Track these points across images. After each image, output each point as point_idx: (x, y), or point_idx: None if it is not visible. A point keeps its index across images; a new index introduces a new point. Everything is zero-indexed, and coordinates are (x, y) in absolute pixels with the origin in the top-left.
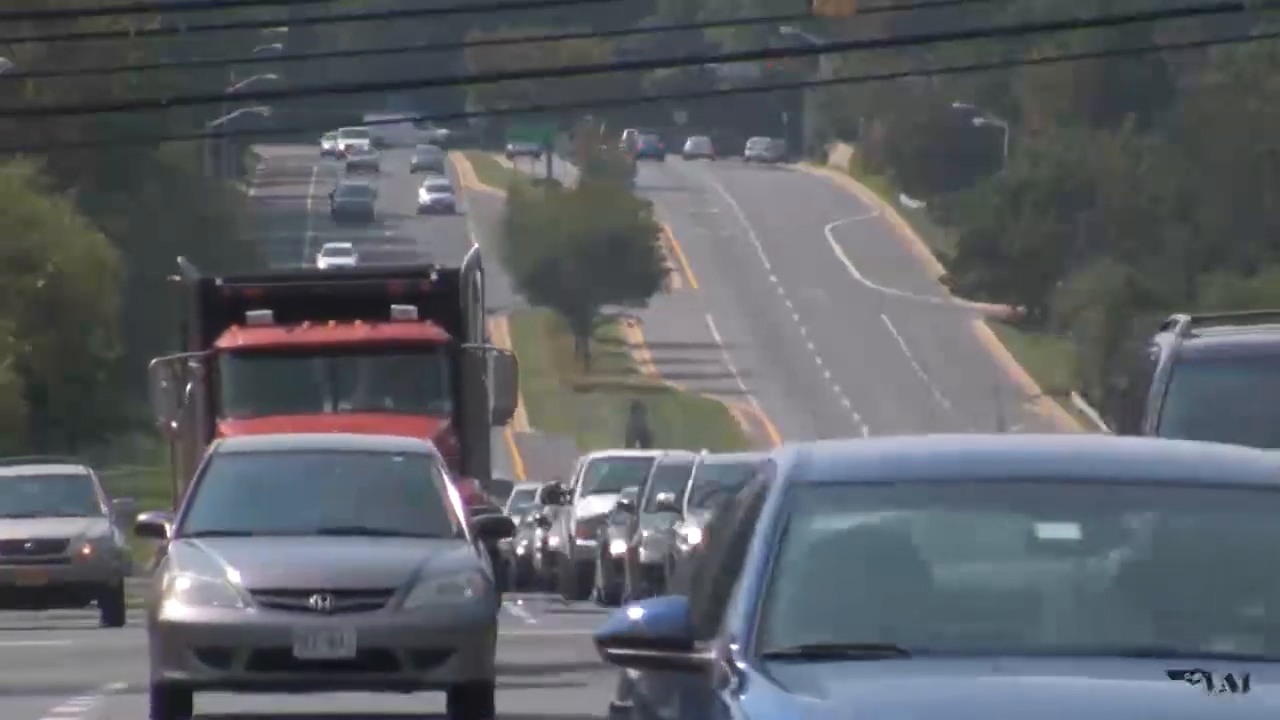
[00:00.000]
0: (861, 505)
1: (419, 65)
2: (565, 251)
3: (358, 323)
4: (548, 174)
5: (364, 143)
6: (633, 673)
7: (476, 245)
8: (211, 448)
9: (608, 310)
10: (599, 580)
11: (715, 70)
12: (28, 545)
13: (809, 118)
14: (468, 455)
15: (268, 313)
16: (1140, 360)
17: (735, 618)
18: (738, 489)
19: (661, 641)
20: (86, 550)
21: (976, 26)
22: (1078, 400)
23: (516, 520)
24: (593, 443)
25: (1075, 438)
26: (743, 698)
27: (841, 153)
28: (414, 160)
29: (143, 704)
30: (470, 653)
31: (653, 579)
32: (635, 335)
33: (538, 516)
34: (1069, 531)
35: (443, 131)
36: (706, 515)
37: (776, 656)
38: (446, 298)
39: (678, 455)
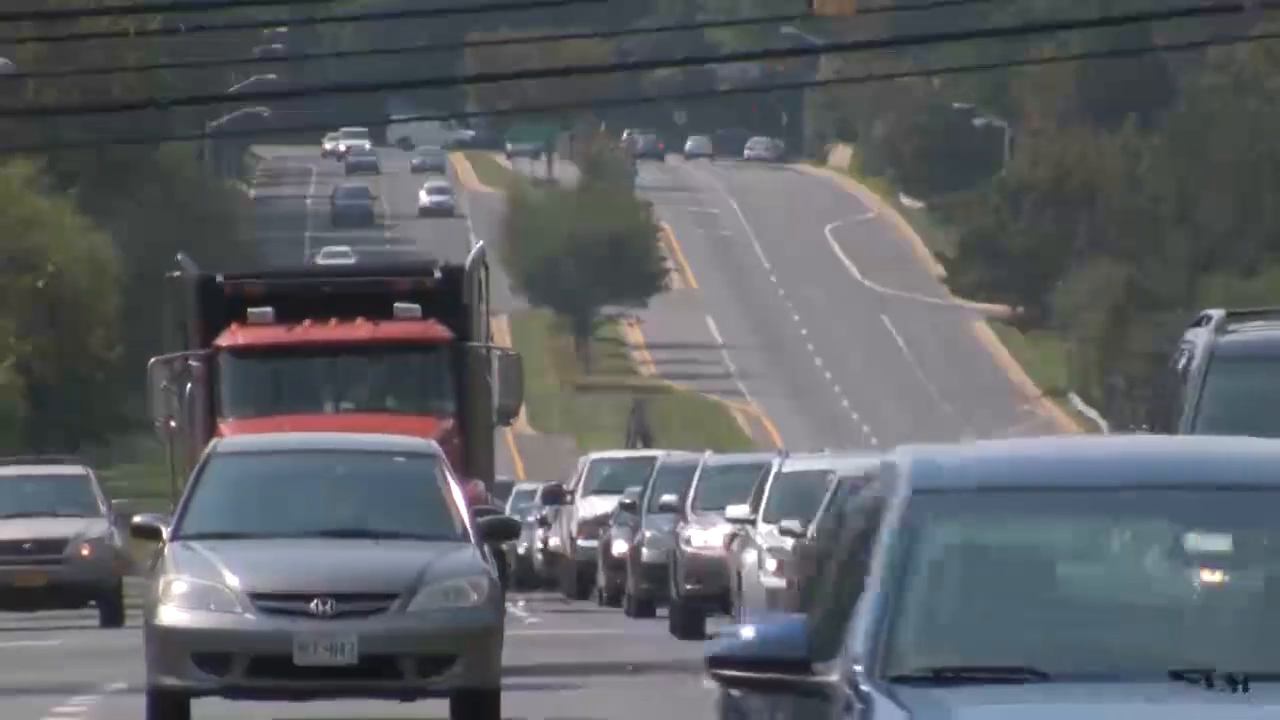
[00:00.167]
0: (993, 514)
1: (419, 65)
2: (565, 251)
3: (360, 321)
4: (548, 174)
5: (364, 143)
6: (737, 693)
7: (481, 242)
8: (209, 447)
9: (608, 310)
10: (600, 580)
11: (715, 70)
12: (26, 546)
13: (809, 118)
14: (471, 456)
15: (268, 310)
16: (1171, 357)
17: (858, 637)
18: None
19: (778, 663)
20: (85, 551)
21: (976, 26)
22: (1077, 400)
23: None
24: (593, 443)
25: (1220, 440)
26: None
27: (841, 153)
28: (414, 161)
29: (142, 705)
30: (475, 659)
31: (654, 579)
32: (635, 335)
33: (538, 516)
34: (1220, 543)
35: (469, 133)
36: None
37: (903, 679)
38: (450, 295)
39: (681, 455)
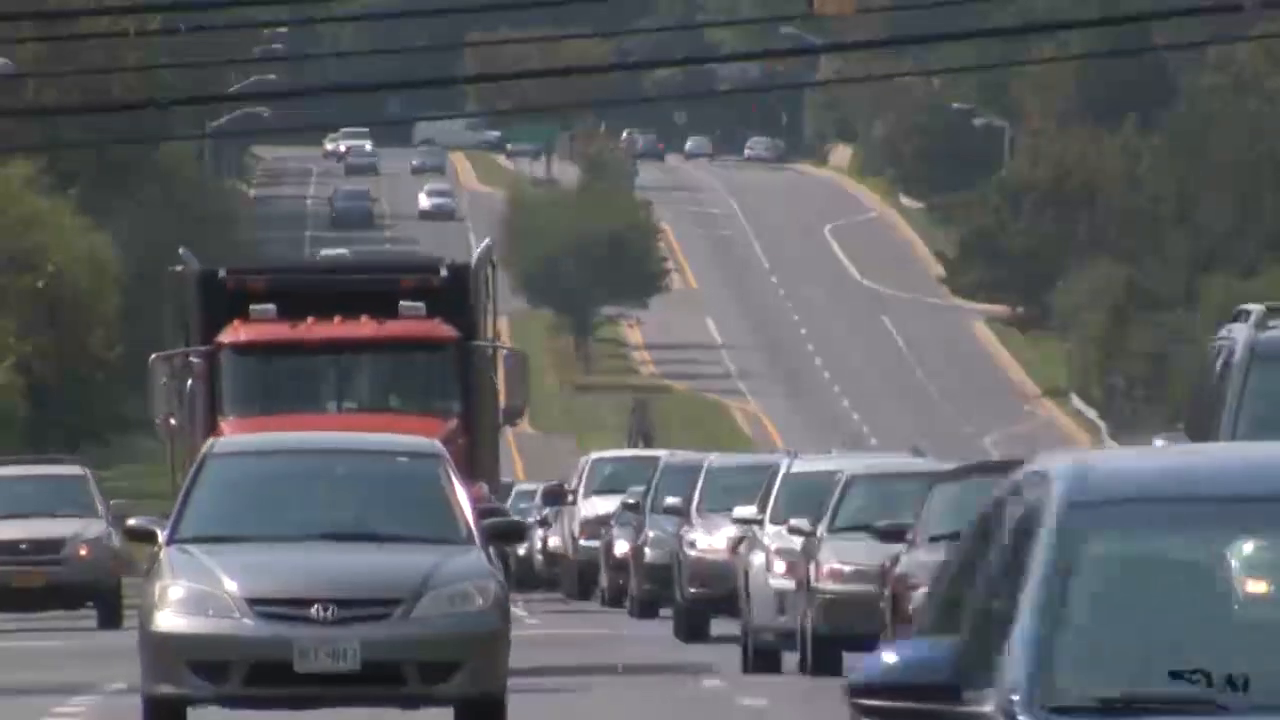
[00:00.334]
0: (1161, 527)
1: (419, 65)
2: (565, 251)
3: (364, 318)
4: (548, 174)
5: (365, 144)
6: None
7: (488, 240)
8: (206, 447)
9: (608, 310)
10: (602, 581)
11: (715, 70)
12: (24, 546)
13: (809, 118)
14: (476, 457)
15: (271, 307)
16: (1208, 353)
17: (1014, 663)
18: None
19: (926, 690)
20: (83, 551)
21: (976, 26)
22: (1077, 401)
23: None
24: (593, 443)
25: None
26: None
27: (841, 153)
28: (414, 162)
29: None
30: (481, 666)
31: (658, 580)
32: (635, 335)
33: (539, 517)
34: None
35: (495, 133)
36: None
37: (1065, 710)
38: (456, 294)
39: (684, 455)
